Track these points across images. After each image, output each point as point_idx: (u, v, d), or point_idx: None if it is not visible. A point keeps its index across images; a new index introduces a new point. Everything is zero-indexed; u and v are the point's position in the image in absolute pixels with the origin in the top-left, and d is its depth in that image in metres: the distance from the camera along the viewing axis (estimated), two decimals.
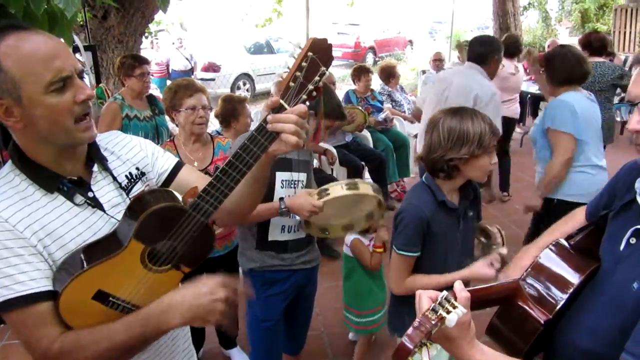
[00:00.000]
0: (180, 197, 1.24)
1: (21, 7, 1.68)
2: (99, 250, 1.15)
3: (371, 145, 5.57)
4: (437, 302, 1.08)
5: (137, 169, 1.36)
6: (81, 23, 4.95)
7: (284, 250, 2.30)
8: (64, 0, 1.65)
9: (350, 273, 2.98)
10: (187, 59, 10.70)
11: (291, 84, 1.14)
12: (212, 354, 3.28)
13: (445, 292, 1.11)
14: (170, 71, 10.61)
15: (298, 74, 1.13)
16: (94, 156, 1.27)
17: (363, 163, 5.10)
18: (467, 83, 3.58)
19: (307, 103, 1.17)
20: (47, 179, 1.17)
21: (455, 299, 1.09)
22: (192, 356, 1.57)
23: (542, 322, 1.23)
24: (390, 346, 3.25)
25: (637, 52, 6.10)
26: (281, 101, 1.14)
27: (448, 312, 1.06)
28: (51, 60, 1.09)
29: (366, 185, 2.10)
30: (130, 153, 1.37)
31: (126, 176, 1.33)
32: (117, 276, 1.15)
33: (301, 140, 1.16)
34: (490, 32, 11.44)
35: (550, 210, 3.00)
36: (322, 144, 4.86)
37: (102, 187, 1.27)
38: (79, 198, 1.20)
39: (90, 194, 1.23)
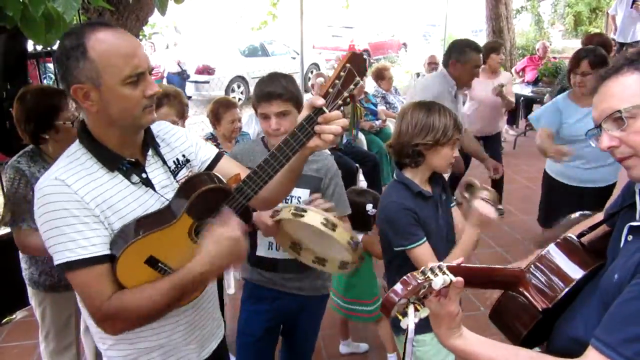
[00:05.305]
0: (224, 181, 1.41)
1: (19, 9, 1.69)
2: (152, 222, 1.32)
3: (365, 147, 5.59)
4: (429, 268, 1.16)
5: (184, 156, 1.53)
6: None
7: (272, 269, 2.19)
8: (63, 3, 1.65)
9: (358, 269, 3.01)
10: (178, 64, 10.76)
11: (330, 90, 1.29)
12: None
13: (440, 263, 1.18)
14: (165, 74, 10.64)
15: (337, 81, 1.29)
16: (150, 142, 1.44)
17: (357, 165, 5.12)
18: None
19: (342, 109, 1.32)
20: (110, 158, 1.35)
21: (450, 271, 1.16)
22: (222, 324, 1.77)
23: (541, 309, 1.26)
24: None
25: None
26: (323, 107, 1.29)
27: (436, 276, 1.13)
28: (131, 57, 1.26)
29: (315, 215, 1.76)
30: (178, 142, 1.54)
31: (174, 162, 1.50)
32: (167, 245, 1.31)
33: (337, 139, 1.28)
34: (483, 35, 11.51)
35: None
36: None
37: (154, 170, 1.44)
38: (135, 178, 1.38)
39: (144, 175, 1.40)
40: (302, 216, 1.80)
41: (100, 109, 1.28)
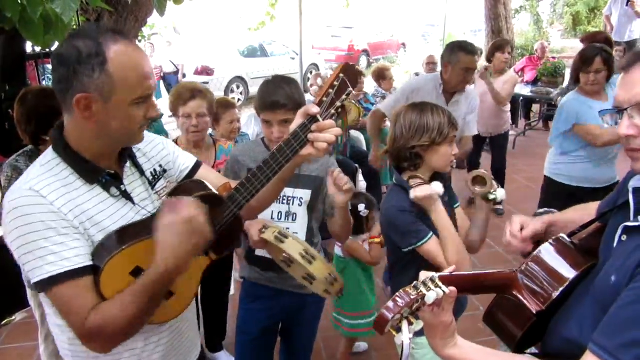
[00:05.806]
0: (212, 189, 1.37)
1: (17, 11, 1.69)
2: (136, 232, 1.27)
3: (364, 147, 5.59)
4: (421, 281, 1.15)
5: (161, 166, 1.48)
6: (74, 27, 4.93)
7: (270, 268, 2.14)
8: (61, 4, 1.65)
9: (340, 274, 2.97)
10: (171, 62, 10.78)
11: (324, 99, 1.29)
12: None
13: (432, 273, 1.17)
14: (162, 74, 10.65)
15: (330, 91, 1.30)
16: (128, 153, 1.38)
17: (357, 166, 5.11)
18: None
19: (334, 118, 1.32)
20: (89, 170, 1.28)
21: (442, 281, 1.15)
22: (198, 343, 1.71)
23: (535, 312, 1.26)
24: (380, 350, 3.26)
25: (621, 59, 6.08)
26: (318, 116, 1.28)
27: (429, 290, 1.12)
28: (146, 78, 1.23)
29: (296, 245, 1.78)
30: (155, 151, 1.48)
31: (151, 173, 1.45)
32: (153, 255, 1.22)
33: (330, 148, 1.30)
34: (482, 35, 11.51)
35: None
36: None
37: (132, 182, 1.38)
38: (114, 190, 1.32)
39: (122, 188, 1.34)
40: (283, 242, 1.79)
41: (98, 122, 1.22)
